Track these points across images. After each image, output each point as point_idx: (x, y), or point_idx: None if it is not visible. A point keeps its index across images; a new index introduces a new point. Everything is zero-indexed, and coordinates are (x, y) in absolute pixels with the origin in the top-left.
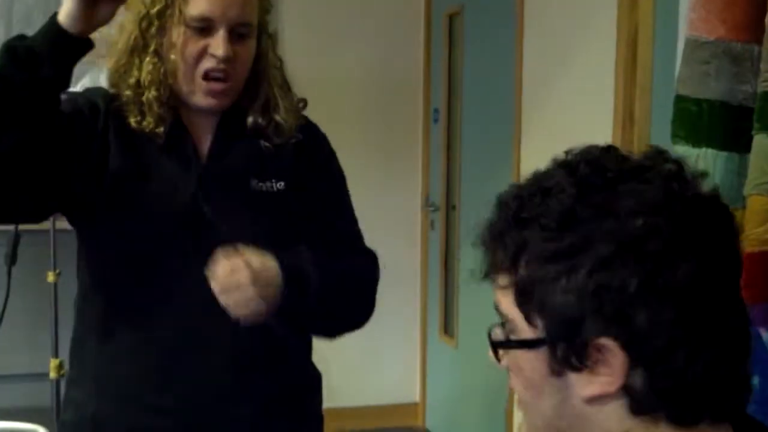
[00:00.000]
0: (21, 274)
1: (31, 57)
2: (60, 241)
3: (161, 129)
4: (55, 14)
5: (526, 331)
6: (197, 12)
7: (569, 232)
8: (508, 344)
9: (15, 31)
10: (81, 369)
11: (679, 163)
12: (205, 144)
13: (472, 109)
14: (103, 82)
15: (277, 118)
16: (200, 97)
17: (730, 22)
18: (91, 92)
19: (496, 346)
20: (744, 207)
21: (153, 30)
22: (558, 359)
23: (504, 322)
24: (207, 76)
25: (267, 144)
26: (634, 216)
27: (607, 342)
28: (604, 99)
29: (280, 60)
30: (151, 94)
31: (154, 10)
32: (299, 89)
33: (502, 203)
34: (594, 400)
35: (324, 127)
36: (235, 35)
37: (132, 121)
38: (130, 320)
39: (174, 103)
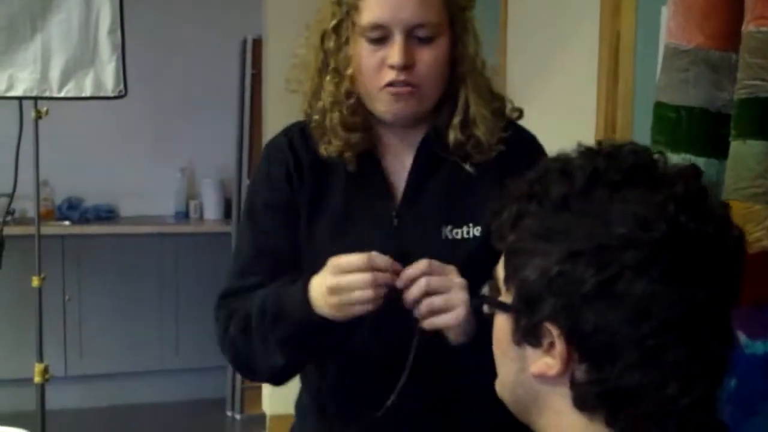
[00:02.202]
0: (5, 278)
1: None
2: (45, 246)
3: (349, 154)
4: (307, 299)
5: (503, 294)
6: (368, 20)
7: (558, 217)
8: (486, 300)
9: None
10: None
11: (702, 189)
12: (402, 172)
13: None
14: (88, 85)
15: (477, 133)
16: (384, 104)
17: (708, 30)
18: (270, 177)
19: (478, 297)
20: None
21: (332, 45)
22: (518, 330)
23: (494, 279)
24: (390, 86)
25: (468, 168)
26: (620, 225)
27: (552, 328)
28: (586, 106)
29: (483, 63)
30: (334, 116)
31: (330, 26)
32: (289, 94)
33: (533, 170)
34: (540, 378)
35: None
36: (415, 39)
37: (322, 148)
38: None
39: (366, 127)
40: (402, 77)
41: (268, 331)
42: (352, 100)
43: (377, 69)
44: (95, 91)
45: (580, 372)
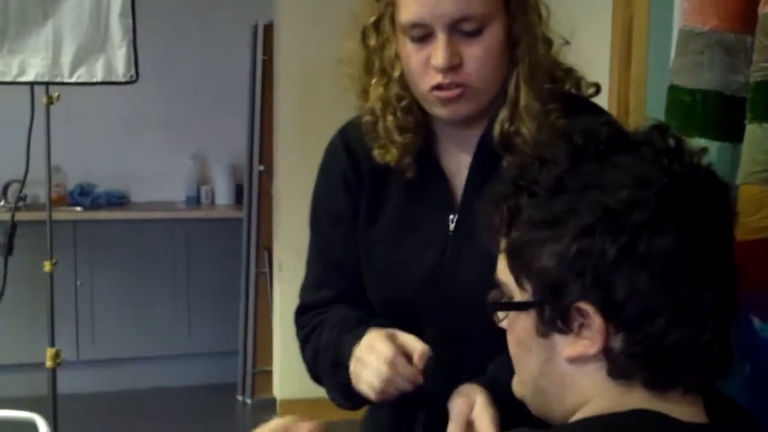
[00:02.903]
0: (17, 264)
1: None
2: (56, 231)
3: (407, 160)
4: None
5: (517, 294)
6: (406, 18)
7: (557, 200)
8: (501, 306)
9: (11, 28)
10: None
11: (678, 140)
12: (460, 173)
13: None
14: (99, 70)
15: (522, 128)
16: (435, 108)
17: (723, 12)
18: (329, 184)
19: (491, 307)
20: (737, 196)
21: (373, 42)
22: (545, 321)
23: (500, 285)
24: (437, 89)
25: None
26: (621, 188)
27: (586, 307)
28: None
29: (550, 42)
30: (388, 121)
31: (370, 22)
32: (301, 80)
33: (508, 170)
34: (575, 360)
35: (324, 117)
36: (461, 34)
37: (376, 154)
38: None
39: (419, 126)
40: (448, 79)
41: (329, 374)
42: (404, 102)
43: (423, 69)
44: (106, 76)
45: (617, 342)
